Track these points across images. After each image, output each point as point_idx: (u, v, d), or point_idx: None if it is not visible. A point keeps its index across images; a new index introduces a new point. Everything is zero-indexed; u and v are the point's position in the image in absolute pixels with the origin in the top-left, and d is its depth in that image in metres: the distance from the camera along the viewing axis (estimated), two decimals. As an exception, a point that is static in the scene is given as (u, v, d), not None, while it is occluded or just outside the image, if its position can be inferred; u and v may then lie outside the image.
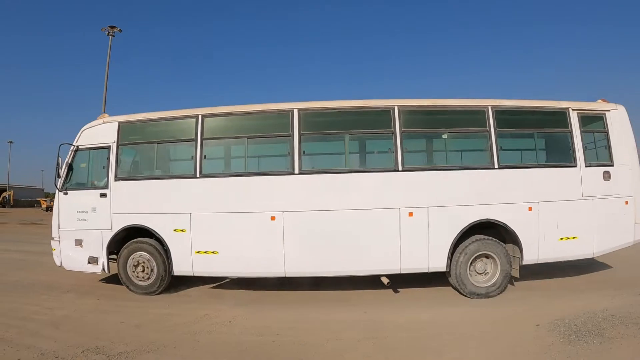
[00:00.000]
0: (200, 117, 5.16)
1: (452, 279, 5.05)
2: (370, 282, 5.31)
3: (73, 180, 5.33)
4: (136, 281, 5.18)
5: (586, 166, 5.26)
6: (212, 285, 5.56)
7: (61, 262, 5.34)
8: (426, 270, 5.03)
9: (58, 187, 5.26)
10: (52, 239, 5.36)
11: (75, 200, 5.24)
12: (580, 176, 5.22)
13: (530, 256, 5.09)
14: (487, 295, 4.97)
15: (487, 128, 5.14)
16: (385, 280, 5.08)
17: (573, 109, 5.38)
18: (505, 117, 5.31)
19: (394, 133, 5.03)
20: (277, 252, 4.94)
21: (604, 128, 5.44)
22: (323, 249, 4.94)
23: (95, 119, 5.52)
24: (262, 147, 5.46)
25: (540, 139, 5.57)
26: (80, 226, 5.18)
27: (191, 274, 5.12)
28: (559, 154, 5.51)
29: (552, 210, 5.13)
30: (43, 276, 6.16)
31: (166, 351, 3.36)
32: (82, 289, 5.49)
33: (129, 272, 5.18)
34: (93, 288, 5.54)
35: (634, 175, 5.43)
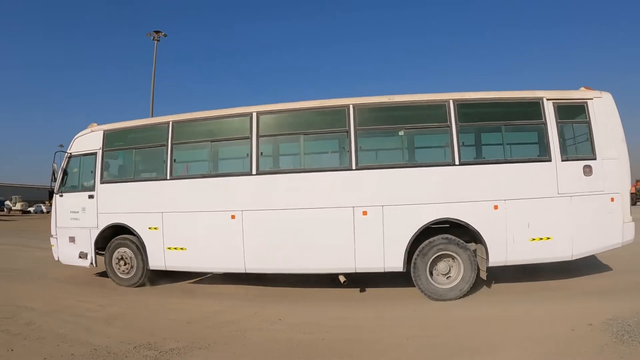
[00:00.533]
0: (170, 123, 5.62)
1: (413, 280, 4.95)
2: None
3: (67, 184, 6.09)
4: (120, 274, 5.79)
5: (562, 160, 4.85)
6: (261, 283, 5.67)
7: (58, 257, 6.12)
8: (382, 270, 4.99)
9: (54, 190, 6.07)
10: (51, 236, 6.17)
11: (69, 201, 5.98)
12: (555, 171, 4.83)
13: (497, 257, 4.81)
14: (450, 297, 4.80)
15: (448, 123, 4.95)
16: (342, 279, 5.13)
17: (548, 99, 4.97)
18: (469, 111, 5.08)
19: (348, 132, 5.06)
20: (237, 248, 5.22)
21: (586, 118, 4.96)
22: (280, 247, 5.12)
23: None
24: (226, 150, 5.77)
25: (510, 132, 5.24)
26: (73, 224, 5.91)
27: (164, 269, 5.60)
28: (531, 148, 5.18)
29: (522, 208, 4.81)
30: (97, 274, 6.41)
31: (217, 348, 3.39)
32: (135, 287, 5.69)
33: (113, 266, 5.81)
34: (146, 287, 5.74)
35: (622, 169, 4.89)
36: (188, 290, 5.62)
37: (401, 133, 5.18)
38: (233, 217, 5.26)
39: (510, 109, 5.12)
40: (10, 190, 49.30)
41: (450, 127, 4.94)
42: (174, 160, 5.58)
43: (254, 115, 5.31)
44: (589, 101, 4.99)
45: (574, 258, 4.89)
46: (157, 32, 20.76)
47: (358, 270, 5.03)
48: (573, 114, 5.06)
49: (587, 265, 5.67)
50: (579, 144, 5.08)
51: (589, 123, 4.94)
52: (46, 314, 4.49)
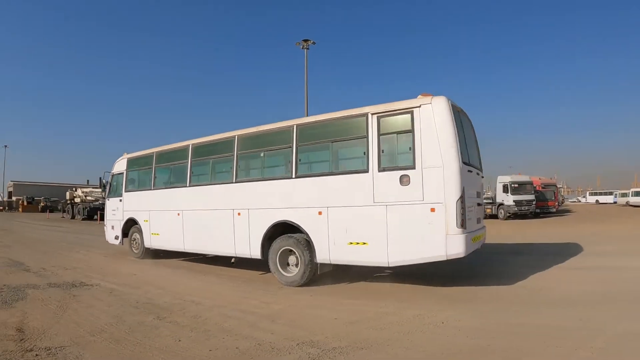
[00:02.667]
0: (155, 154, 8.74)
1: (269, 266, 6.29)
2: (588, 281, 5.70)
3: (111, 193, 10.08)
4: (134, 250, 9.29)
5: (379, 171, 5.28)
6: (423, 284, 5.80)
7: (107, 239, 10.16)
8: (249, 257, 6.61)
9: (105, 196, 10.16)
10: (104, 225, 10.33)
11: (112, 203, 9.95)
12: (371, 182, 5.31)
13: (322, 256, 5.70)
14: (294, 284, 5.90)
15: (291, 144, 6.14)
16: (232, 260, 7.13)
17: (373, 113, 5.46)
18: (308, 132, 6.10)
19: (233, 155, 6.93)
20: (181, 235, 7.82)
21: (410, 127, 5.16)
22: (200, 235, 7.44)
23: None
24: (176, 170, 8.38)
25: (345, 148, 5.92)
26: (113, 218, 9.82)
27: (150, 247, 8.76)
28: (355, 161, 5.70)
29: (341, 215, 5.54)
30: (259, 273, 7.08)
31: (379, 349, 3.41)
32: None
33: (131, 245, 9.37)
34: (307, 285, 6.00)
35: (446, 178, 4.89)
36: (349, 290, 5.70)
37: (262, 155, 6.66)
38: (178, 214, 7.90)
39: (343, 126, 5.77)
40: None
41: (292, 147, 6.12)
42: (155, 177, 8.69)
43: (190, 147, 7.80)
44: (415, 109, 5.15)
45: (391, 265, 5.23)
46: (305, 40, 22.14)
47: (237, 255, 6.83)
48: (398, 124, 5.27)
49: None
50: (401, 154, 5.22)
51: (412, 132, 5.12)
52: (211, 309, 4.76)
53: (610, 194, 44.36)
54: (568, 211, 33.82)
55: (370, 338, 3.66)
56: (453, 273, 6.45)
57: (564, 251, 8.73)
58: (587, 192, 54.48)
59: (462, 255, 4.92)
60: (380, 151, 5.33)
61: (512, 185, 23.80)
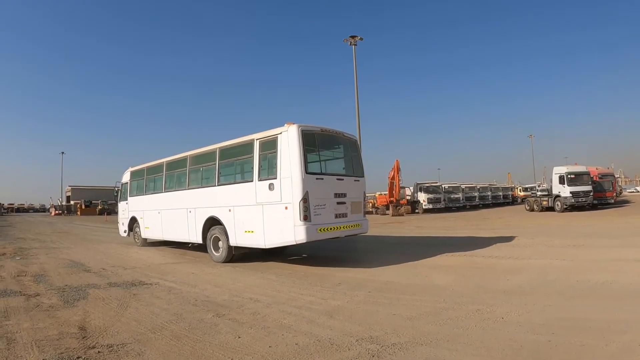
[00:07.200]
0: (146, 168, 12.54)
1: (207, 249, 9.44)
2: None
3: (121, 197, 14.05)
4: (135, 240, 13.13)
5: (259, 180, 7.98)
6: (480, 280, 6.06)
7: (120, 233, 14.17)
8: (196, 242, 9.87)
9: (117, 201, 14.34)
10: (118, 222, 14.45)
11: (122, 206, 13.93)
12: (255, 188, 8.04)
13: (232, 240, 8.60)
14: (220, 261, 8.89)
15: (215, 161, 9.29)
16: (190, 244, 10.47)
17: (257, 139, 8.19)
18: (225, 153, 9.09)
19: (186, 170, 10.31)
20: (160, 227, 11.40)
21: (275, 149, 7.68)
22: (170, 227, 10.88)
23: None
24: (158, 180, 12.00)
25: (242, 164, 8.79)
26: (123, 216, 13.80)
27: (145, 237, 12.56)
28: (248, 173, 8.46)
29: (240, 212, 8.37)
30: (312, 269, 7.55)
31: (439, 344, 3.52)
32: (353, 282, 6.28)
33: (134, 236, 13.34)
34: (364, 281, 6.33)
35: (293, 185, 7.23)
36: (405, 286, 5.97)
37: (201, 169, 9.89)
38: (158, 212, 11.54)
39: (242, 149, 8.56)
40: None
41: (215, 163, 9.28)
42: (146, 185, 12.54)
43: (165, 164, 11.39)
44: (279, 135, 7.62)
45: (267, 247, 7.75)
46: (352, 37, 23.25)
47: (190, 241, 10.12)
48: (270, 146, 7.80)
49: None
50: (270, 168, 7.78)
51: (276, 152, 7.69)
52: (270, 306, 4.99)
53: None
54: (627, 202, 33.74)
55: (430, 334, 3.80)
56: (512, 269, 6.92)
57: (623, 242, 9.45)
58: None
59: (304, 241, 7.15)
60: (260, 166, 8.05)
61: (569, 176, 24.07)
